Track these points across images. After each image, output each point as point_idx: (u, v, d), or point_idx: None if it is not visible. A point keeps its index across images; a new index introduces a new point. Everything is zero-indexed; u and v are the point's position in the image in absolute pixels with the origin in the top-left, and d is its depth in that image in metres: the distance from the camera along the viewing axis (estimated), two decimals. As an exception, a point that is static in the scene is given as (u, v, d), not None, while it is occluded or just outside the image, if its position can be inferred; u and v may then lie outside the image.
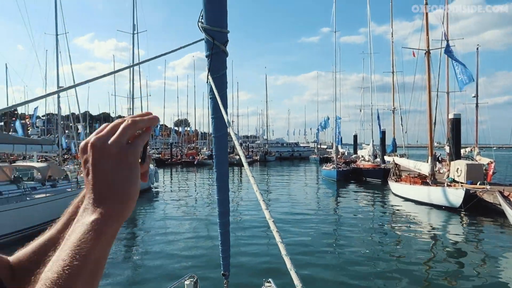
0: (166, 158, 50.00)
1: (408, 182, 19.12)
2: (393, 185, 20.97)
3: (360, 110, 47.01)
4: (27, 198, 11.22)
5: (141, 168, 0.58)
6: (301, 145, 78.34)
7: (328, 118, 44.98)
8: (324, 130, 55.15)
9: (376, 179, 27.20)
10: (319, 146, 66.15)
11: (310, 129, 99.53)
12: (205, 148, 68.69)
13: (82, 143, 0.57)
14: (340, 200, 20.65)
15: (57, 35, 20.93)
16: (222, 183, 2.38)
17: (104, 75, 1.49)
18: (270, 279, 2.95)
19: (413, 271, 8.63)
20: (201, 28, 1.96)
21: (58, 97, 21.81)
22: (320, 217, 15.17)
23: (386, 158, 28.13)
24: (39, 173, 13.61)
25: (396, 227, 13.53)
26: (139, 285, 7.82)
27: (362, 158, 35.32)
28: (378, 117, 29.20)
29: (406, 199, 18.69)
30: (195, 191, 23.99)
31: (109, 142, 0.54)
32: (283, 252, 1.12)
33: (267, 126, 75.43)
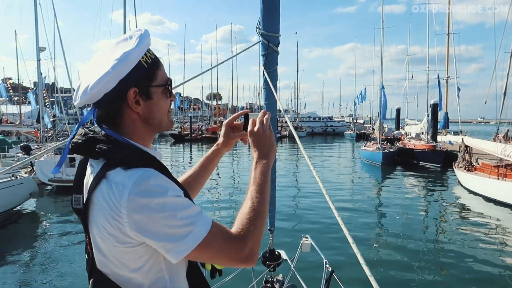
0: (186, 134, 45.78)
1: (492, 174, 13.46)
2: (464, 176, 15.37)
3: (412, 77, 40.64)
4: None
5: (244, 135, 1.24)
6: (336, 119, 71.29)
7: (365, 90, 38.92)
8: (361, 102, 49.23)
9: (434, 164, 21.53)
10: (355, 121, 59.47)
11: (346, 103, 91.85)
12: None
13: (251, 129, 1.16)
14: (389, 193, 15.41)
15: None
16: None
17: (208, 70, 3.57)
18: (307, 235, 3.14)
19: None
20: (258, 34, 2.45)
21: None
22: (362, 217, 10.25)
23: (451, 137, 22.03)
24: None
25: (475, 239, 8.41)
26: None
27: (411, 136, 29.37)
28: (439, 83, 22.89)
29: (487, 198, 13.24)
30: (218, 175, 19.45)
31: (266, 130, 1.14)
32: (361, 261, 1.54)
33: (297, 98, 69.37)
